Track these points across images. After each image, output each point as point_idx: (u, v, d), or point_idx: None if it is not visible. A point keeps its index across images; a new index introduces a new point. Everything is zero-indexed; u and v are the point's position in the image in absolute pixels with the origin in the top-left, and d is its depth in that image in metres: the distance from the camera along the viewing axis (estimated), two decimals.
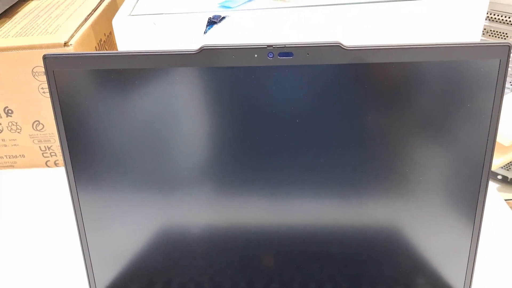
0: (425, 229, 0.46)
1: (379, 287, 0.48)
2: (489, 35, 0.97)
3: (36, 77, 0.68)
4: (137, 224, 0.47)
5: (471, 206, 0.45)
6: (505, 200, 0.67)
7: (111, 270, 0.49)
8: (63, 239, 0.62)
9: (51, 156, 0.77)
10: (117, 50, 0.68)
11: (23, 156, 0.77)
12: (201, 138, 0.44)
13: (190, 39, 0.63)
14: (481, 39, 0.83)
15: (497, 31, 0.95)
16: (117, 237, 0.47)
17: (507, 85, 0.93)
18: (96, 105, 0.43)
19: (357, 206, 0.45)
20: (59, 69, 0.41)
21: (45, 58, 0.41)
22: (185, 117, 0.43)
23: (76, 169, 0.45)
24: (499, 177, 1.05)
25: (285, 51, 0.40)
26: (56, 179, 0.75)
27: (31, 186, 0.74)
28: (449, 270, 0.47)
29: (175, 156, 0.45)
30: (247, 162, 0.44)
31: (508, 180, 1.04)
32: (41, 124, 0.73)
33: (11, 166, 0.78)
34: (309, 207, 0.46)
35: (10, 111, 0.72)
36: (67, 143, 0.44)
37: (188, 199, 0.46)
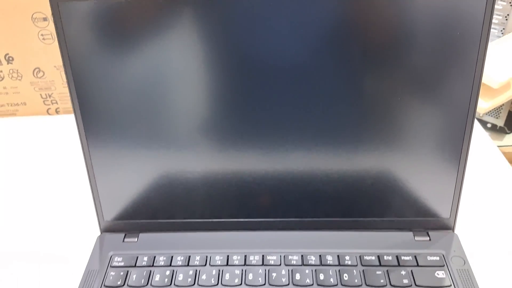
0: (415, 166, 0.49)
1: (370, 210, 0.51)
2: None
3: (35, 23, 0.69)
4: (142, 166, 0.49)
5: (458, 142, 0.47)
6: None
7: (117, 205, 0.51)
8: (67, 181, 0.65)
9: (52, 104, 0.78)
10: None
11: (25, 104, 0.78)
12: (201, 87, 0.46)
13: None
14: None
15: None
16: (123, 176, 0.50)
17: (498, 33, 0.95)
18: (100, 39, 0.44)
19: (350, 149, 0.48)
20: (64, 1, 0.43)
21: None
22: (186, 63, 0.45)
23: (84, 113, 0.47)
24: (489, 125, 1.07)
25: None
26: (57, 127, 0.76)
27: (33, 133, 0.76)
28: (437, 201, 0.50)
29: (178, 103, 0.47)
30: (243, 109, 0.46)
31: (497, 128, 1.06)
32: (42, 71, 0.74)
33: (13, 114, 0.80)
34: (304, 151, 0.48)
35: (10, 58, 0.73)
36: (74, 84, 0.45)
37: (189, 143, 0.48)
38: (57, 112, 0.79)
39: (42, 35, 0.70)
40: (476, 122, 0.74)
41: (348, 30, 0.43)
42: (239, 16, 0.43)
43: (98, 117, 0.47)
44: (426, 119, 0.47)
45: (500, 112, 1.03)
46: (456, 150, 0.48)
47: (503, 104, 1.01)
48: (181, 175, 0.50)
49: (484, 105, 0.80)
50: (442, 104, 0.46)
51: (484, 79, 0.82)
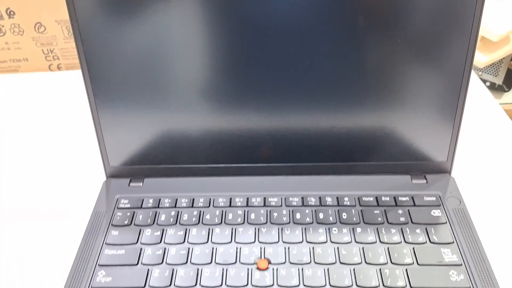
0: (413, 112, 0.50)
1: (369, 154, 0.52)
2: None
3: None
4: (146, 115, 0.50)
5: (456, 87, 0.48)
6: None
7: (122, 151, 0.52)
8: (72, 134, 0.66)
9: (54, 59, 0.79)
10: None
11: (27, 59, 0.79)
12: (203, 47, 0.46)
13: None
14: None
15: None
16: (128, 124, 0.51)
17: None
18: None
19: (350, 100, 0.49)
20: None
21: None
22: (188, 24, 0.45)
23: (90, 66, 0.47)
24: (487, 83, 1.08)
25: None
26: (59, 83, 0.77)
27: (36, 90, 0.76)
28: (434, 145, 0.52)
29: (180, 60, 0.47)
30: (244, 66, 0.47)
31: (496, 86, 1.07)
32: (43, 26, 0.74)
33: (15, 71, 0.80)
34: (304, 104, 0.49)
35: (12, 13, 0.73)
36: (81, 38, 0.46)
37: (192, 97, 0.49)
38: (59, 68, 0.80)
39: None
40: (475, 77, 0.74)
41: None
42: None
43: (104, 70, 0.48)
44: (424, 68, 0.47)
45: (499, 70, 1.04)
46: (454, 95, 0.49)
47: (502, 62, 1.01)
48: (184, 125, 0.51)
49: (483, 59, 0.80)
50: (440, 53, 0.47)
51: (483, 33, 0.82)
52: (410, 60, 0.47)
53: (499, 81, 1.06)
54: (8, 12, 0.73)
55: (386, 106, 0.50)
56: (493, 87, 1.08)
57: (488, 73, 1.05)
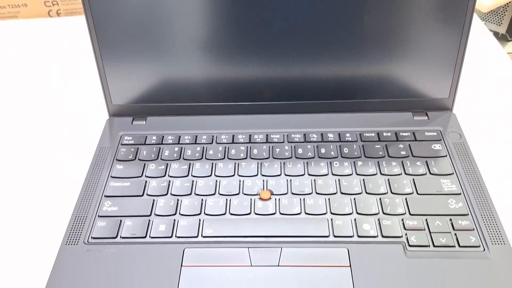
0: (416, 48, 0.49)
1: (372, 91, 0.53)
2: None
3: None
4: (149, 54, 0.50)
5: (458, 23, 0.48)
6: None
7: (125, 90, 0.52)
8: (74, 77, 0.66)
9: (53, 5, 0.78)
10: None
11: (26, 5, 0.78)
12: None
13: None
14: None
15: None
16: (131, 63, 0.51)
17: None
18: None
19: (353, 35, 0.48)
20: None
21: None
22: None
23: (93, 8, 0.47)
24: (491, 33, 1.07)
25: None
26: (59, 29, 0.76)
27: (35, 36, 0.76)
28: (437, 82, 0.52)
29: (183, 3, 0.47)
30: (247, 4, 0.47)
31: (499, 35, 1.06)
32: None
33: (15, 17, 0.80)
34: (307, 43, 0.49)
35: None
36: None
37: (193, 37, 0.49)
38: (58, 14, 0.79)
39: None
40: (479, 22, 0.74)
41: None
42: None
43: (107, 10, 0.47)
44: (427, 5, 0.47)
45: (502, 19, 1.03)
46: (456, 31, 0.48)
47: (505, 10, 1.00)
48: (187, 64, 0.51)
49: (487, 2, 0.79)
50: None
51: None
52: None
53: (502, 30, 1.05)
54: None
55: (389, 44, 0.49)
56: (496, 36, 1.07)
57: (491, 22, 1.04)
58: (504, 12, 1.01)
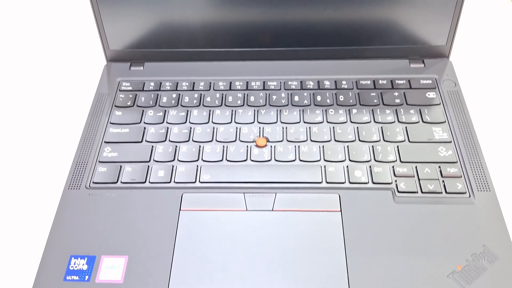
0: None
1: (368, 38, 0.52)
2: None
3: None
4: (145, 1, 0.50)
5: None
6: None
7: (122, 34, 0.52)
8: (68, 17, 0.65)
9: None
10: None
11: None
12: None
13: None
14: None
15: None
16: (127, 7, 0.50)
17: None
18: None
19: None
20: None
21: None
22: None
23: None
24: None
25: None
26: None
27: None
28: (434, 29, 0.51)
29: None
30: None
31: None
32: None
33: None
34: None
35: None
36: None
37: None
38: None
39: None
40: None
41: None
42: None
43: None
44: None
45: None
46: None
47: None
48: (184, 6, 0.50)
49: None
50: None
51: None
52: None
53: None
54: None
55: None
56: None
57: None
58: None
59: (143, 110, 0.49)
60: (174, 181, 0.43)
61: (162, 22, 0.51)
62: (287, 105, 0.50)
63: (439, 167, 0.43)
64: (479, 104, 0.52)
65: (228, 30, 0.52)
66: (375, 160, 0.44)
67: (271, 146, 0.46)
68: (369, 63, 0.53)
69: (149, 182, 0.43)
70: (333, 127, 0.47)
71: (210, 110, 0.49)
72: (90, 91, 0.53)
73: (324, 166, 0.44)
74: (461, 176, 0.43)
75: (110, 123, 0.48)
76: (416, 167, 0.43)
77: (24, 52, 0.61)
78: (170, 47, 0.54)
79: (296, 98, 0.50)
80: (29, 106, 0.54)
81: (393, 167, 0.43)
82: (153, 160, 0.45)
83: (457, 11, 0.50)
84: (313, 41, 0.53)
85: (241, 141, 0.46)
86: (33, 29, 0.64)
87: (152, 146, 0.46)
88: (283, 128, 0.47)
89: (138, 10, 0.51)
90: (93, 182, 0.43)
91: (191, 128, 0.48)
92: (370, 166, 0.44)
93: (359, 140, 0.46)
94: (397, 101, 0.49)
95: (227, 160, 0.45)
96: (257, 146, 0.46)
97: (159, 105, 0.50)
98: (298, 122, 0.48)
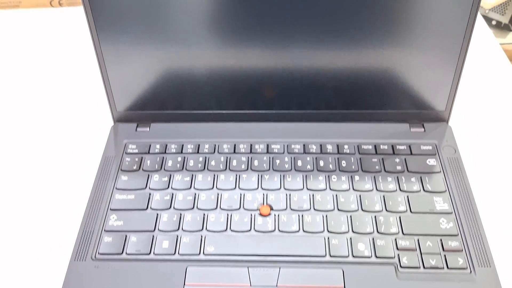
0: (414, 59, 0.50)
1: (369, 102, 0.54)
2: None
3: None
4: (151, 58, 0.51)
5: (459, 35, 0.48)
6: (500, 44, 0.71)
7: (129, 96, 0.53)
8: (77, 75, 0.67)
9: None
10: None
11: None
12: None
13: None
14: None
15: None
16: (134, 68, 0.51)
17: None
18: None
19: (352, 44, 0.49)
20: None
21: None
22: None
23: (93, 5, 0.47)
24: (494, 22, 1.06)
25: None
26: (60, 19, 0.76)
27: (37, 26, 0.76)
28: (434, 94, 0.53)
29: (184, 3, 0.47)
30: (248, 4, 0.47)
31: (502, 25, 1.06)
32: None
33: (16, 6, 0.79)
34: (307, 47, 0.49)
35: None
36: None
37: (196, 37, 0.49)
38: (60, 4, 0.79)
39: None
40: (480, 19, 0.74)
41: None
42: None
43: (108, 10, 0.47)
44: (427, 12, 0.47)
45: (506, 9, 1.02)
46: (456, 43, 0.49)
47: (510, 0, 0.99)
48: (189, 68, 0.51)
49: (489, 0, 0.79)
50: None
51: None
52: (414, 4, 0.47)
53: (505, 20, 1.04)
54: None
55: (387, 54, 0.50)
56: (499, 26, 1.06)
57: (494, 11, 1.03)
58: (508, 2, 1.00)
59: (148, 175, 0.50)
60: (179, 253, 0.43)
61: (168, 84, 0.53)
62: (291, 170, 0.51)
63: (441, 240, 0.44)
64: (478, 171, 0.52)
65: (232, 92, 0.53)
66: (377, 232, 0.45)
67: (274, 215, 0.46)
68: (371, 126, 0.54)
69: (153, 253, 0.44)
70: (336, 195, 0.48)
71: (214, 175, 0.50)
72: (97, 153, 0.53)
73: (328, 238, 0.44)
74: (462, 250, 0.43)
75: (116, 188, 0.49)
76: (418, 240, 0.44)
77: (27, 105, 0.62)
78: (176, 109, 0.55)
79: (299, 163, 0.51)
80: (38, 169, 0.54)
81: (395, 239, 0.44)
82: (158, 229, 0.45)
83: (456, 77, 0.51)
84: (316, 104, 0.54)
85: (245, 209, 0.47)
86: (41, 90, 0.65)
87: (157, 214, 0.47)
88: (286, 195, 0.48)
89: (145, 73, 0.52)
90: (99, 253, 0.44)
91: (195, 194, 0.48)
92: (373, 238, 0.44)
93: (362, 209, 0.47)
94: (399, 168, 0.50)
95: (231, 230, 0.45)
96: (261, 214, 0.46)
97: (164, 169, 0.51)
98: (302, 189, 0.49)
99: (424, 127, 0.54)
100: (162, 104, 0.54)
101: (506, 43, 1.04)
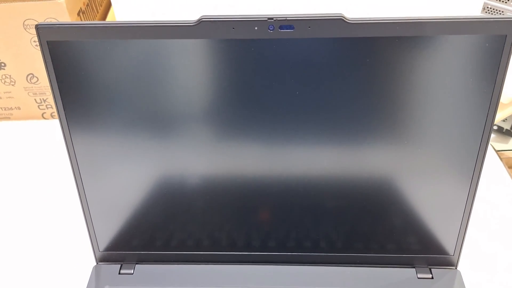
0: (422, 187, 0.47)
1: (372, 244, 0.50)
2: (485, 11, 0.97)
3: (27, 29, 0.66)
4: (136, 180, 0.47)
5: (467, 177, 0.45)
6: (498, 150, 0.68)
7: (112, 235, 0.50)
8: (61, 193, 0.63)
9: (47, 108, 0.76)
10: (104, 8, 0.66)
11: (19, 108, 0.76)
12: (200, 105, 0.43)
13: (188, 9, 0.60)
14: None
15: (493, 8, 0.96)
16: (118, 206, 0.48)
17: None
18: (92, 75, 0.42)
19: (355, 160, 0.45)
20: (53, 39, 0.40)
21: (38, 28, 0.39)
22: (183, 86, 0.42)
23: (71, 123, 0.44)
24: (495, 127, 1.05)
25: (286, 23, 0.39)
26: (52, 131, 0.75)
27: (28, 138, 0.74)
28: (442, 238, 0.49)
29: (172, 113, 0.44)
30: (246, 121, 0.44)
31: (504, 131, 1.04)
32: (35, 77, 0.72)
33: (7, 118, 0.78)
34: (307, 161, 0.46)
35: (3, 64, 0.70)
36: (63, 107, 0.43)
37: (186, 152, 0.46)
38: (52, 116, 0.77)
39: (34, 41, 0.67)
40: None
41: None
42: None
43: (86, 129, 0.44)
44: (433, 153, 0.45)
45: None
46: (464, 186, 0.46)
47: None
48: (176, 191, 0.48)
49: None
50: (452, 136, 0.44)
51: None
52: (420, 139, 0.45)
53: (507, 126, 1.03)
54: None
55: (394, 192, 0.47)
56: (500, 131, 1.05)
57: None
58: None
59: None
60: None
61: (154, 225, 0.49)
62: None
63: None
64: None
65: (222, 232, 0.50)
66: None
67: None
68: (375, 271, 0.50)
69: None
70: None
71: None
72: None
73: None
74: None
75: None
76: None
77: (12, 251, 0.58)
78: (162, 249, 0.51)
79: None
80: None
81: None
82: None
83: (465, 222, 0.48)
84: (314, 246, 0.51)
85: None
86: (22, 199, 0.62)
87: None
88: None
89: (129, 214, 0.49)
90: None
91: None
92: None
93: None
94: None
95: None
96: None
97: None
98: None
99: (431, 273, 0.50)
100: (148, 244, 0.51)
101: (508, 149, 1.02)
